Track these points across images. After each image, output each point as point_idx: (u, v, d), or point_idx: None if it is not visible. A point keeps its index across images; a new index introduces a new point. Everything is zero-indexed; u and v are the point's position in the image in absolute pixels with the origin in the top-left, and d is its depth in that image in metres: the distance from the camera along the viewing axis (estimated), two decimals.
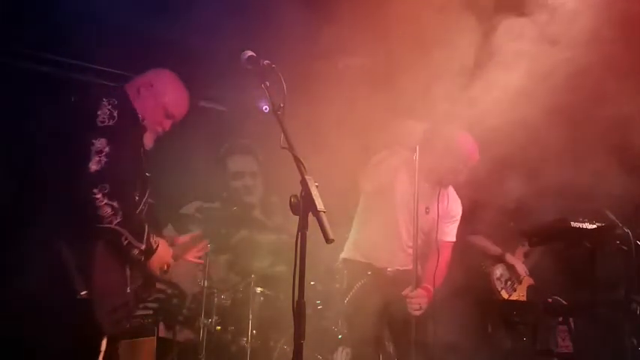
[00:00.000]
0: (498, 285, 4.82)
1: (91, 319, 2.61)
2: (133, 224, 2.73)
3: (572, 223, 3.29)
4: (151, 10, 4.22)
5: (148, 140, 3.05)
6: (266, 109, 5.94)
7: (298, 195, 2.19)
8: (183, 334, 5.37)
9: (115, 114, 2.71)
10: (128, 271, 2.79)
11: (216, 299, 5.01)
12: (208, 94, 6.03)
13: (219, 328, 5.04)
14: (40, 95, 4.77)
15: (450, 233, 3.80)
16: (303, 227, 2.17)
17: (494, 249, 5.02)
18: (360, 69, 5.04)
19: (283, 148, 2.29)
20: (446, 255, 3.77)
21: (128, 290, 2.77)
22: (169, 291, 5.54)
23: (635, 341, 3.19)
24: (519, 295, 4.84)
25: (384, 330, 3.78)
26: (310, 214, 2.16)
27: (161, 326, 5.19)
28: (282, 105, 2.37)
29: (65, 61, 5.10)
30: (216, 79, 5.50)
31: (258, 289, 5.15)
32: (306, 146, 2.53)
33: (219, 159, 6.20)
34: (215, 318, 4.95)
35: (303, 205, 2.17)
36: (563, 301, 4.46)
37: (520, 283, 4.88)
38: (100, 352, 2.68)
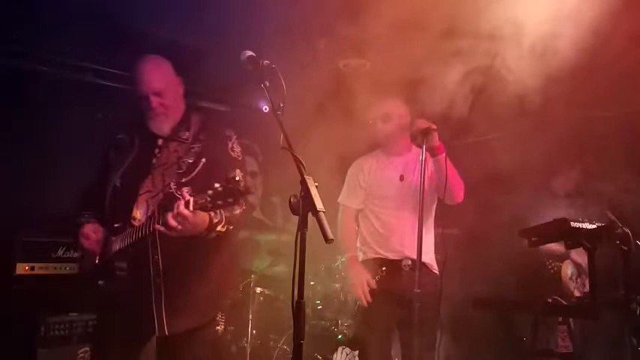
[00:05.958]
0: (571, 285, 4.71)
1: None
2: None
3: (572, 223, 3.26)
4: (152, 11, 4.22)
5: (158, 126, 3.09)
6: (266, 109, 5.94)
7: (298, 195, 2.20)
8: None
9: None
10: None
11: None
12: (209, 95, 6.03)
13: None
14: (40, 95, 4.78)
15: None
16: (302, 227, 2.17)
17: (557, 247, 4.81)
18: (360, 69, 5.05)
19: (283, 148, 2.28)
20: (453, 170, 3.65)
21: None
22: None
23: (635, 341, 3.17)
24: (586, 289, 4.71)
25: (391, 329, 3.76)
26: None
27: None
28: (281, 105, 2.37)
29: (66, 61, 5.10)
30: (217, 80, 5.50)
31: (258, 289, 5.15)
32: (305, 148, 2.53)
33: None
34: None
35: (303, 205, 2.17)
36: (563, 301, 4.44)
37: (587, 276, 4.73)
38: None
